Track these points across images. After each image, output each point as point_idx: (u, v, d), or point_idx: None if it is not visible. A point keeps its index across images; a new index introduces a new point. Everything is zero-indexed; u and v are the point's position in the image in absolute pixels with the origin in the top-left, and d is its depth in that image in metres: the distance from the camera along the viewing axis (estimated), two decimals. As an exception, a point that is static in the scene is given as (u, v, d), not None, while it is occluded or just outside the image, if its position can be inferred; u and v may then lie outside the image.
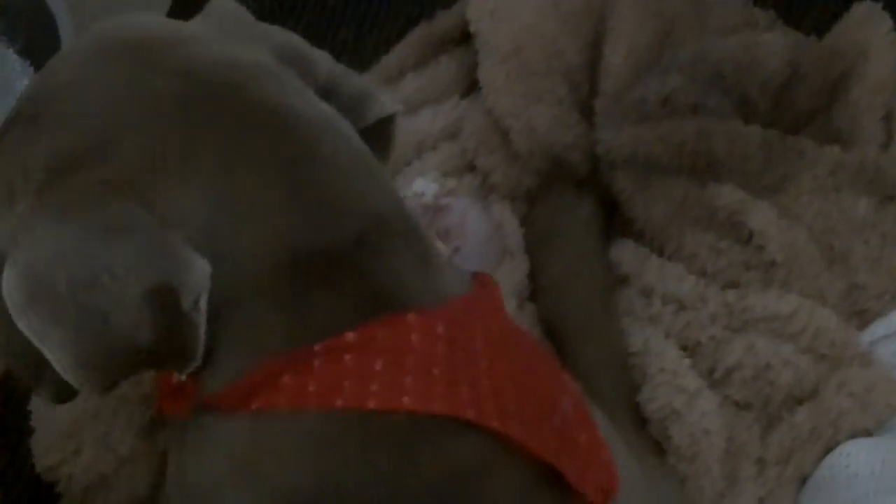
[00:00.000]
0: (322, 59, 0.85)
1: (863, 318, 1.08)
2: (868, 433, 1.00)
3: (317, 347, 0.72)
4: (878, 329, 1.06)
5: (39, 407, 1.06)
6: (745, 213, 1.09)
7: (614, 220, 1.17)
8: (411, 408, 0.71)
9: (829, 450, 1.00)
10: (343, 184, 0.76)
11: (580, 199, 1.16)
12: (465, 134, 1.20)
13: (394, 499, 0.71)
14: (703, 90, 1.14)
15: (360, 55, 1.28)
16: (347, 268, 0.74)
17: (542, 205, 1.17)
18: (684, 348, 1.06)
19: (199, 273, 0.71)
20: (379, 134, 0.85)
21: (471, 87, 1.23)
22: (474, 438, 0.72)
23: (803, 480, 1.00)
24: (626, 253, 1.13)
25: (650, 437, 1.02)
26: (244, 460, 0.73)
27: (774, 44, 1.17)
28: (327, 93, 0.82)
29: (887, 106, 1.14)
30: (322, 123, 0.77)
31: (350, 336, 0.72)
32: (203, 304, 0.71)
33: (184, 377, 0.75)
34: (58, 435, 1.03)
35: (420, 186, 1.13)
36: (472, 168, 1.20)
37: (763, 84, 1.16)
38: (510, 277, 1.12)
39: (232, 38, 0.80)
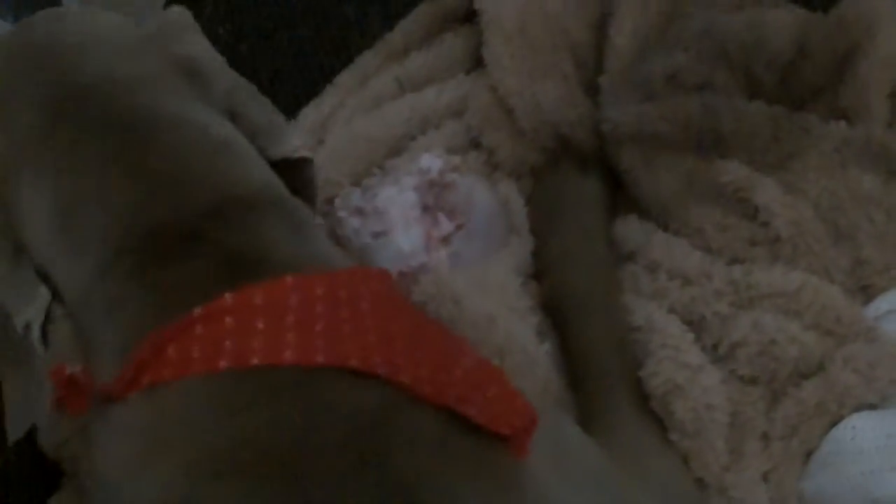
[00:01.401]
0: (224, 83, 0.89)
1: (868, 294, 1.06)
2: (873, 408, 0.99)
3: (196, 313, 0.72)
4: (882, 304, 1.05)
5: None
6: (751, 189, 1.08)
7: (620, 198, 1.16)
8: (293, 361, 0.71)
9: (834, 425, 0.99)
10: (190, 168, 0.79)
11: (585, 176, 1.16)
12: (471, 111, 1.20)
13: (302, 447, 0.70)
14: (709, 67, 1.13)
15: (364, 32, 1.29)
16: (203, 239, 0.76)
17: (546, 182, 1.17)
18: (689, 323, 1.05)
19: (38, 303, 0.77)
20: (298, 176, 0.89)
21: (476, 64, 1.23)
22: (370, 388, 0.72)
23: (809, 455, 0.99)
24: (631, 228, 1.13)
25: (651, 414, 1.01)
26: (151, 438, 0.72)
27: (780, 21, 1.15)
28: (231, 116, 0.87)
29: (894, 82, 1.13)
30: (177, 119, 0.81)
31: (228, 298, 0.72)
32: (36, 329, 0.77)
33: (77, 370, 0.77)
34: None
35: (426, 162, 1.12)
36: (477, 145, 1.20)
37: (769, 61, 1.14)
38: (515, 255, 1.12)
39: (142, 48, 0.85)
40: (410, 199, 1.10)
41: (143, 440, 0.72)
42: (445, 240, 1.10)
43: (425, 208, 1.10)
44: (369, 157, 1.18)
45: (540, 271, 1.13)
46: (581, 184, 1.16)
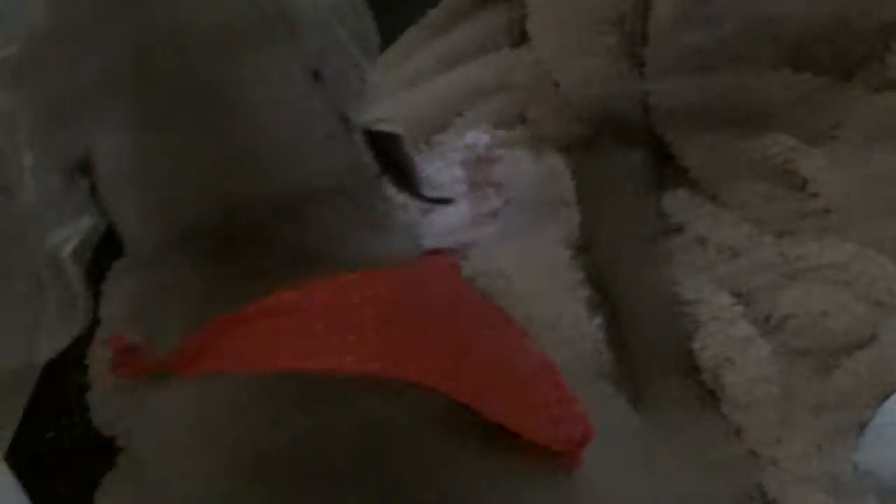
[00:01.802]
0: (316, 40, 0.82)
1: (920, 265, 1.04)
2: (928, 379, 0.97)
3: (253, 309, 0.71)
4: (935, 275, 1.02)
5: (95, 360, 1.06)
6: (798, 160, 1.07)
7: (667, 170, 1.15)
8: (351, 368, 0.69)
9: (886, 396, 0.97)
10: (264, 155, 0.76)
11: (630, 148, 1.15)
12: (515, 85, 1.20)
13: (354, 456, 0.68)
14: (753, 38, 1.12)
15: (409, 7, 1.28)
16: (266, 234, 0.74)
17: (591, 155, 1.16)
18: (739, 296, 1.04)
19: (71, 231, 0.76)
20: (387, 149, 0.86)
21: (520, 37, 1.22)
22: (416, 396, 0.69)
23: (861, 427, 0.97)
24: (679, 201, 1.12)
25: (699, 386, 1.00)
26: (198, 429, 0.71)
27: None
28: (315, 75, 0.81)
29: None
30: (260, 93, 0.76)
31: (288, 296, 0.71)
32: (64, 258, 0.75)
33: (137, 339, 0.76)
34: (112, 389, 1.03)
35: (472, 139, 1.12)
36: (522, 119, 1.19)
37: (813, 31, 1.12)
38: (564, 228, 1.11)
39: None
40: (457, 174, 1.10)
41: (190, 430, 0.72)
42: (493, 215, 1.10)
43: (472, 184, 1.10)
44: (414, 132, 1.16)
45: (587, 244, 1.12)
46: (626, 156, 1.15)
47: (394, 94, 1.21)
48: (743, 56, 1.13)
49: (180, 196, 0.75)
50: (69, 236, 0.77)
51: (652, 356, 1.03)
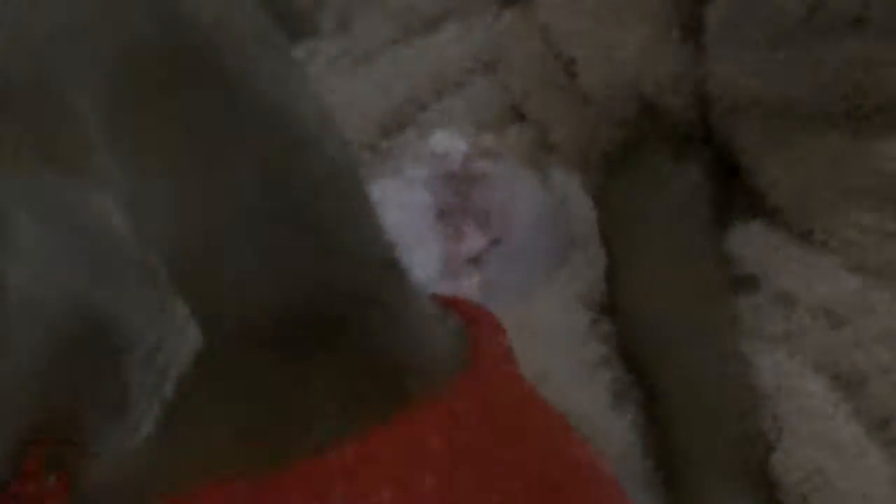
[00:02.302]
0: None
1: None
2: None
3: (299, 468, 0.58)
4: None
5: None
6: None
7: (734, 195, 1.00)
8: None
9: None
10: (340, 220, 0.64)
11: (680, 164, 1.00)
12: (508, 64, 1.05)
13: None
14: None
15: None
16: (341, 345, 0.61)
17: (624, 173, 1.01)
18: (842, 384, 0.90)
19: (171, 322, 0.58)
20: None
21: (516, -7, 1.04)
22: None
23: None
24: (752, 242, 0.97)
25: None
26: None
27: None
28: None
29: None
30: (310, 121, 0.64)
31: (349, 452, 0.58)
32: (174, 368, 0.58)
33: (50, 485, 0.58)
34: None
35: (442, 144, 0.98)
36: (520, 116, 1.04)
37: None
38: (579, 281, 0.97)
39: None
40: (420, 199, 0.97)
41: None
42: (475, 260, 0.97)
43: (443, 214, 0.97)
44: (356, 134, 1.02)
45: (615, 304, 0.98)
46: (675, 175, 1.00)
47: (327, 77, 1.07)
48: (848, 22, 0.95)
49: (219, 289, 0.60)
50: (171, 343, 0.61)
51: (709, 469, 0.92)
